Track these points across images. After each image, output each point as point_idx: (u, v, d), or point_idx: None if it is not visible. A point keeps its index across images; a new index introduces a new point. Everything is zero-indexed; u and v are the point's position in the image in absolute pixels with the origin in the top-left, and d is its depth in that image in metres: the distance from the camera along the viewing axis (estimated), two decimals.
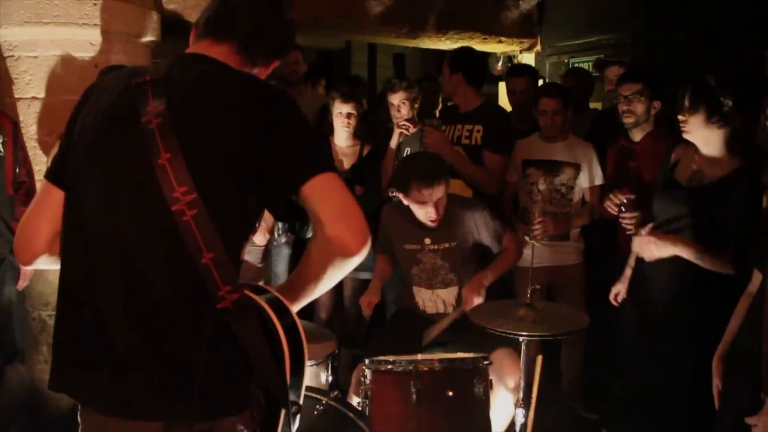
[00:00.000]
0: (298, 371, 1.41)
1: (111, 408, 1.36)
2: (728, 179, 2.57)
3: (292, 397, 1.38)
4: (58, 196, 1.49)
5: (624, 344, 3.05)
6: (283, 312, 1.41)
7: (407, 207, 3.05)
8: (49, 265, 1.54)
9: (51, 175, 1.53)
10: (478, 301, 2.84)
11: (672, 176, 2.76)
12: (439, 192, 2.88)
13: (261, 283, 1.53)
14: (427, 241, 3.03)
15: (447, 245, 3.03)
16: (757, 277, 2.17)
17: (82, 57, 3.45)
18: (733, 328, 2.21)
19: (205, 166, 1.33)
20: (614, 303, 3.00)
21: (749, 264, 2.19)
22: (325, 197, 1.37)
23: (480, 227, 3.05)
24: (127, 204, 1.36)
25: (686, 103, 2.60)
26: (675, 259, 2.66)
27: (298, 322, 1.44)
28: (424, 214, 2.93)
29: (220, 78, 1.43)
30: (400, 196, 2.98)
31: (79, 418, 1.46)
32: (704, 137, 2.61)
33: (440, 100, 4.89)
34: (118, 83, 1.47)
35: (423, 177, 2.86)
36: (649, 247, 2.63)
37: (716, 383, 2.15)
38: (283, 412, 1.37)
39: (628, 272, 2.99)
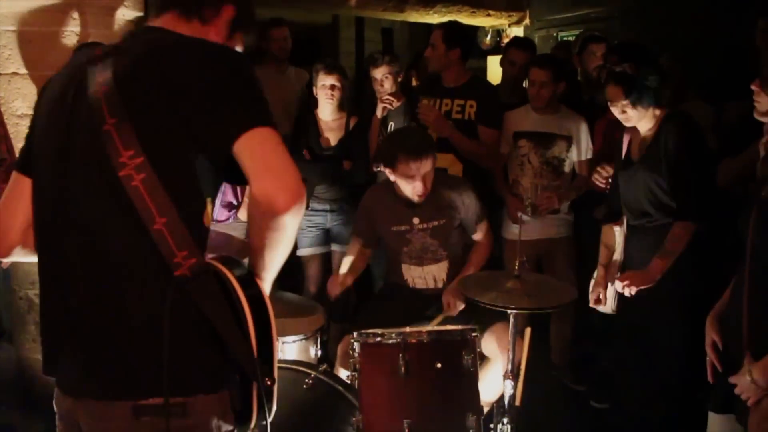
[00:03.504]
0: (266, 342, 1.37)
1: (80, 391, 1.35)
2: (658, 132, 2.70)
3: (262, 368, 1.34)
4: (27, 186, 1.48)
5: (609, 318, 3.06)
6: (248, 282, 1.37)
7: (392, 188, 3.03)
8: (24, 257, 1.52)
9: (19, 166, 1.52)
10: (460, 306, 2.89)
11: (629, 156, 2.85)
12: (427, 165, 2.85)
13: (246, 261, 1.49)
14: (416, 220, 3.01)
15: (436, 223, 3.02)
16: None
17: (63, 31, 3.39)
18: (728, 292, 2.21)
19: (151, 130, 1.30)
20: (594, 306, 3.02)
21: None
22: (254, 152, 1.29)
23: (466, 206, 3.05)
24: (79, 175, 1.35)
25: (626, 100, 2.69)
26: (651, 234, 2.73)
27: (265, 294, 1.40)
28: (411, 189, 2.90)
29: (164, 42, 1.40)
30: (387, 171, 2.95)
31: (54, 406, 1.45)
32: (642, 117, 2.72)
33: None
34: (71, 65, 1.47)
35: (411, 150, 2.82)
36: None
37: (710, 340, 2.17)
38: (255, 385, 1.34)
39: (601, 272, 3.02)
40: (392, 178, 2.95)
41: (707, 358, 2.18)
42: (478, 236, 3.15)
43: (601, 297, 2.98)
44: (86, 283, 1.33)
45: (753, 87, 2.04)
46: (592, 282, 3.06)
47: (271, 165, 1.29)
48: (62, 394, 1.41)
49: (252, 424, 1.39)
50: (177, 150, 1.33)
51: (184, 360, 1.30)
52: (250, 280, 1.39)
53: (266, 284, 1.44)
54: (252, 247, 1.40)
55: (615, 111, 2.74)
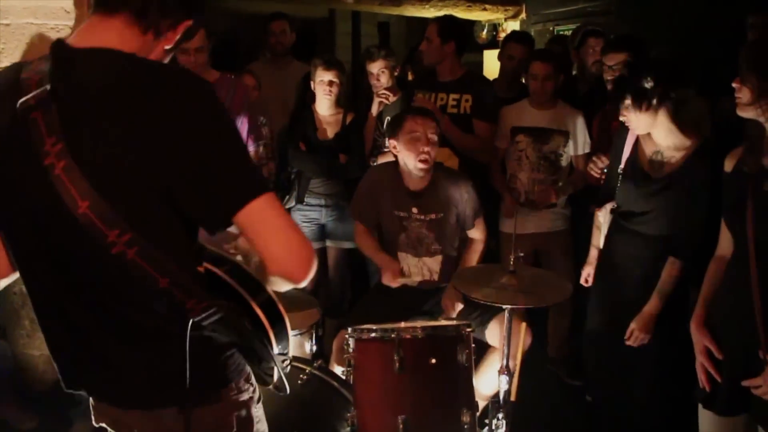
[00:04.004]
0: (283, 338, 1.43)
1: (125, 403, 1.40)
2: (690, 164, 2.55)
3: (280, 358, 1.42)
4: None
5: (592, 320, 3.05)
6: (257, 289, 1.39)
7: (396, 171, 3.06)
8: (13, 278, 1.45)
9: None
10: (459, 307, 2.92)
11: (637, 162, 2.73)
12: (431, 127, 2.92)
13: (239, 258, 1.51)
14: (414, 210, 3.03)
15: (433, 216, 3.04)
16: (725, 240, 2.18)
17: (57, 25, 3.37)
18: (706, 292, 2.21)
19: (131, 204, 1.19)
20: (585, 285, 3.09)
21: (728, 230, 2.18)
22: (260, 229, 1.25)
23: (465, 200, 3.07)
24: (69, 250, 1.26)
25: (619, 102, 2.58)
26: (639, 235, 2.71)
27: (274, 295, 1.42)
28: (416, 155, 2.92)
29: (121, 84, 1.19)
30: (392, 144, 3.00)
31: (90, 405, 1.48)
32: (649, 125, 2.58)
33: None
34: (3, 107, 1.23)
35: (416, 111, 2.97)
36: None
37: (701, 347, 2.14)
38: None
39: (594, 253, 3.07)
40: (397, 150, 2.99)
41: (697, 363, 2.16)
42: (474, 232, 3.16)
43: (589, 278, 3.08)
44: (107, 328, 1.33)
45: (734, 84, 2.01)
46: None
47: (281, 242, 1.27)
48: (106, 404, 1.44)
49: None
50: (164, 213, 1.23)
51: (212, 366, 1.37)
52: (258, 286, 1.40)
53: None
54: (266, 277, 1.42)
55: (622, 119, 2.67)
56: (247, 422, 1.45)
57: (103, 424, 1.49)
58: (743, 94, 1.99)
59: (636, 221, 2.73)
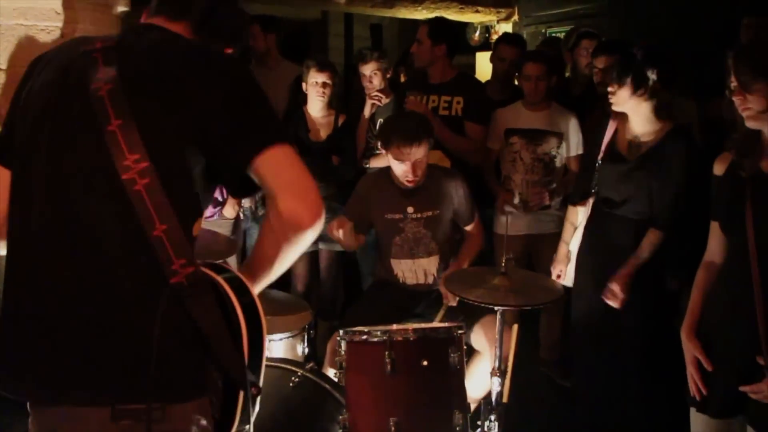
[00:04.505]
0: (257, 351, 1.37)
1: (51, 396, 1.28)
2: (664, 141, 2.70)
3: (250, 377, 1.33)
4: (4, 176, 1.41)
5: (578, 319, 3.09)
6: (241, 290, 1.36)
7: (388, 176, 3.07)
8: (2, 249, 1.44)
9: None
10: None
11: (615, 147, 2.84)
12: (418, 152, 2.89)
13: (222, 262, 1.49)
14: (410, 209, 3.03)
15: (430, 213, 3.04)
16: (715, 245, 2.17)
17: (47, 26, 3.35)
18: (696, 300, 2.18)
19: (157, 135, 1.27)
20: (557, 280, 3.14)
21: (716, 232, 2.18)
22: (278, 170, 1.33)
23: (459, 196, 3.08)
24: (75, 172, 1.29)
25: (614, 75, 2.69)
26: (622, 221, 2.80)
27: (257, 301, 1.39)
28: (402, 173, 2.94)
29: (174, 45, 1.39)
30: (383, 151, 3.01)
31: (28, 407, 1.37)
32: (632, 108, 2.71)
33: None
34: (67, 53, 1.41)
35: (404, 135, 2.88)
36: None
37: (691, 357, 2.11)
38: (242, 394, 1.33)
39: (563, 250, 3.15)
40: (388, 158, 2.99)
41: (687, 371, 2.13)
42: (471, 227, 3.16)
43: (561, 273, 3.16)
44: (71, 284, 1.27)
45: (736, 98, 1.90)
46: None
47: (295, 184, 1.34)
48: (37, 408, 1.33)
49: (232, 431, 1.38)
50: (184, 158, 1.30)
51: (166, 365, 1.26)
52: (243, 287, 1.38)
53: (258, 288, 1.43)
54: (262, 256, 1.42)
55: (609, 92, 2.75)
56: None
57: None
58: (754, 104, 1.87)
59: (616, 206, 2.82)
